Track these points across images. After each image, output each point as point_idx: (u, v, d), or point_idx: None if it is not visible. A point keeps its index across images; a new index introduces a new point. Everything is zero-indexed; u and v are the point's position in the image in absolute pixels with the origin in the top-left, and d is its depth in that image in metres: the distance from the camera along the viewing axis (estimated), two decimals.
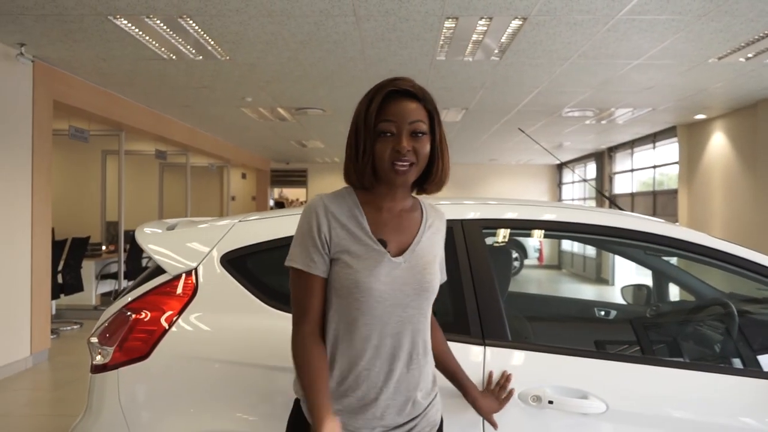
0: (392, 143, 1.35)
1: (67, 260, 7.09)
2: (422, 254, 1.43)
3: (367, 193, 1.44)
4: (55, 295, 6.66)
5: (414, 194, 1.51)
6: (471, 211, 1.99)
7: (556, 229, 2.20)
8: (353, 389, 1.37)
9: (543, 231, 2.21)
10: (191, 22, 4.38)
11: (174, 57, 5.33)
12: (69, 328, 6.94)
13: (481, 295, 1.82)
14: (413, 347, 1.40)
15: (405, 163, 1.36)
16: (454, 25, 4.48)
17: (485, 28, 4.54)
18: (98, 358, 1.81)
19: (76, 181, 10.22)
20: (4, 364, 5.02)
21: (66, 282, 7.03)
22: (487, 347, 1.77)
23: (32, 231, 5.41)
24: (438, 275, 1.46)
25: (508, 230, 2.25)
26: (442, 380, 1.60)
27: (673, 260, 2.66)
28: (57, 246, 6.76)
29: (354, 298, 1.35)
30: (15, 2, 4.01)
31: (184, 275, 1.87)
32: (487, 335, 1.78)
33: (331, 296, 1.40)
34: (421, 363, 1.42)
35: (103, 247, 8.82)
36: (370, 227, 1.40)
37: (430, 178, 1.44)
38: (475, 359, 1.75)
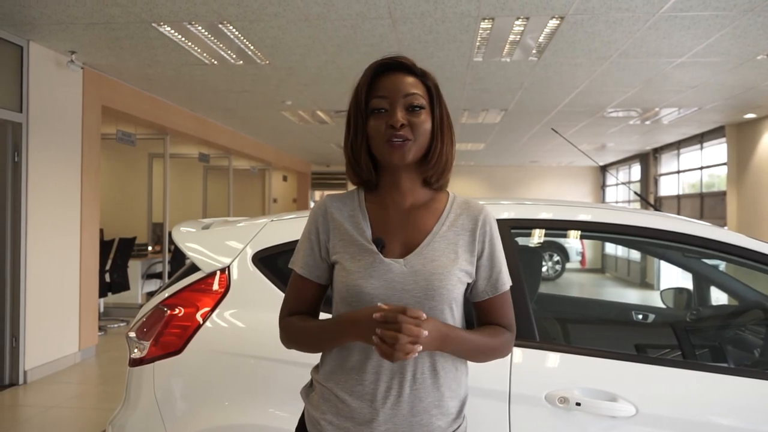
0: (386, 119, 1.24)
1: (115, 260, 7.34)
2: (433, 257, 1.24)
3: (374, 192, 1.33)
4: (102, 294, 6.91)
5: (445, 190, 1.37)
6: (500, 211, 1.98)
7: (588, 230, 2.17)
8: (347, 401, 1.24)
9: (577, 232, 2.18)
10: (231, 27, 4.49)
11: (216, 62, 5.47)
12: (116, 325, 7.19)
13: None
14: (416, 366, 1.22)
15: (400, 138, 1.22)
16: (490, 26, 4.46)
17: (522, 29, 4.50)
18: (135, 352, 1.87)
19: (124, 184, 10.55)
20: (54, 358, 5.24)
21: (113, 281, 7.28)
22: (514, 347, 1.75)
23: (81, 231, 5.62)
24: (457, 280, 1.25)
25: (540, 231, 2.22)
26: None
27: (713, 263, 2.59)
28: (105, 246, 7.02)
29: (348, 303, 1.24)
30: (66, 12, 4.19)
31: (218, 273, 1.93)
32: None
33: (337, 305, 1.30)
34: (427, 384, 1.23)
35: (149, 248, 9.07)
36: (373, 227, 1.28)
37: (429, 162, 1.28)
38: (501, 359, 1.73)
